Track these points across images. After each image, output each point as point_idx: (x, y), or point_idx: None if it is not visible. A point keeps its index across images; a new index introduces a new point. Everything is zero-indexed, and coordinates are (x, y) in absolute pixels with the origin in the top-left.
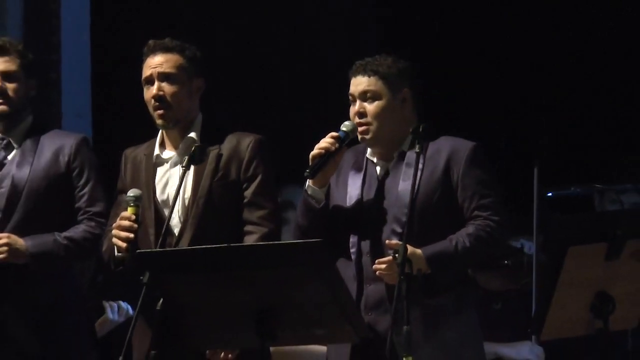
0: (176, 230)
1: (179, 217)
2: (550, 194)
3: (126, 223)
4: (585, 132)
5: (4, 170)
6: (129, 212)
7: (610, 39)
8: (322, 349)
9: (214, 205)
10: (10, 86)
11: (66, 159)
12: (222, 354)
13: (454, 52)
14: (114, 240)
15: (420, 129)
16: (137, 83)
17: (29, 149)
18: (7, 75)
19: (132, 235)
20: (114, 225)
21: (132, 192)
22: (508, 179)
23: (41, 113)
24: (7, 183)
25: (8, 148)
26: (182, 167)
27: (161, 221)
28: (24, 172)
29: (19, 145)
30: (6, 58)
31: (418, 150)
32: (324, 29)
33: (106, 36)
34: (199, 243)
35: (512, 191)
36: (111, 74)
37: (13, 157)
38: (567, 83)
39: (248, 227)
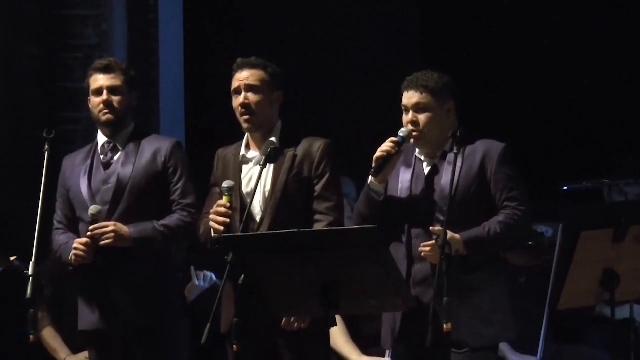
0: (257, 218)
1: (260, 207)
2: (565, 188)
3: (222, 210)
4: (596, 135)
5: (111, 169)
6: (224, 200)
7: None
8: None
9: (289, 197)
10: (115, 99)
11: (163, 159)
12: (296, 323)
13: (487, 58)
14: (211, 223)
15: (458, 134)
16: (223, 95)
17: (132, 150)
18: (113, 90)
19: (228, 220)
20: (211, 210)
21: (226, 184)
22: (535, 178)
23: (142, 121)
24: (113, 180)
25: (114, 150)
26: (260, 165)
27: (245, 210)
28: (128, 170)
29: (123, 148)
30: (112, 75)
31: (456, 152)
32: (367, 35)
33: (197, 56)
34: (276, 228)
35: (537, 186)
36: (201, 87)
37: (118, 158)
38: (584, 92)
39: (317, 217)
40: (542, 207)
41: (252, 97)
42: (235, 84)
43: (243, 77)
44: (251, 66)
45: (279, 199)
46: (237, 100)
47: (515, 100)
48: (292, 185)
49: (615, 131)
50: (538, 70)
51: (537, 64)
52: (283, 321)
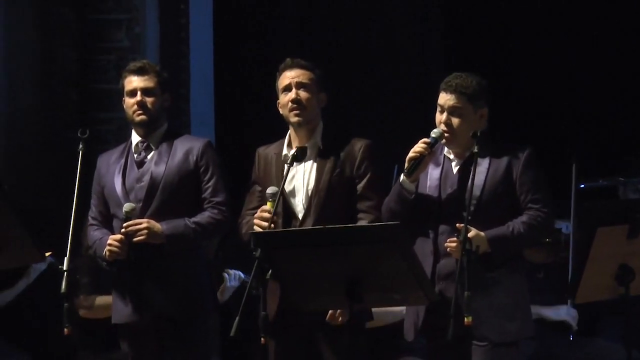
0: (300, 215)
1: (303, 205)
2: (582, 185)
3: (266, 215)
4: (611, 135)
5: (144, 167)
6: (268, 206)
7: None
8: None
9: (332, 196)
10: (148, 100)
11: (195, 158)
12: (340, 317)
13: (500, 55)
14: (255, 227)
15: (478, 134)
16: (251, 98)
17: (165, 150)
18: (147, 91)
19: (272, 225)
20: (255, 215)
21: (270, 190)
22: (550, 174)
23: (173, 121)
24: (146, 178)
25: (148, 149)
26: (287, 164)
27: (287, 207)
28: (161, 169)
29: (157, 147)
30: (146, 77)
31: (476, 151)
32: (391, 34)
33: (227, 59)
34: (319, 225)
35: (553, 183)
36: (230, 90)
37: (152, 157)
38: (596, 93)
39: (359, 215)
40: (560, 205)
41: (302, 94)
42: (285, 81)
43: (294, 74)
44: (301, 66)
45: (323, 198)
46: (288, 97)
47: (532, 99)
48: (335, 184)
49: (630, 130)
50: (554, 69)
51: (553, 62)
52: (328, 315)
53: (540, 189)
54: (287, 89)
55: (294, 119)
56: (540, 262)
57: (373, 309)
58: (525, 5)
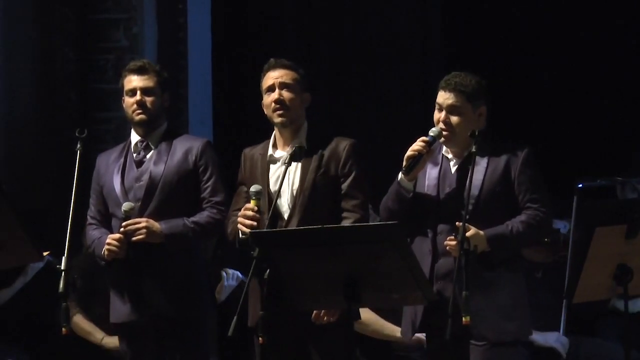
0: (285, 216)
1: (288, 205)
2: (581, 185)
3: (250, 213)
4: (610, 135)
5: (144, 166)
6: (252, 204)
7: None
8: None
9: (317, 195)
10: (148, 99)
11: (194, 158)
12: (325, 317)
13: (503, 57)
14: (239, 226)
15: (476, 133)
16: (249, 98)
17: (164, 149)
18: (146, 91)
19: (255, 223)
20: (239, 213)
21: (254, 188)
22: (550, 173)
23: (171, 121)
24: (145, 177)
25: (147, 149)
26: (284, 164)
27: (274, 207)
28: (160, 169)
29: (156, 147)
30: (145, 76)
31: (474, 151)
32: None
33: (225, 59)
34: (304, 226)
35: (552, 183)
36: (228, 90)
37: (151, 156)
38: (599, 95)
39: (344, 214)
40: (559, 204)
41: (285, 94)
42: (268, 81)
43: (277, 75)
44: (284, 66)
45: (307, 197)
46: (271, 97)
47: (530, 99)
48: (320, 184)
49: (628, 130)
50: (554, 69)
51: (552, 62)
52: (313, 314)
53: (538, 188)
54: (271, 89)
55: (277, 120)
56: (538, 262)
57: (368, 325)
58: (525, 5)
